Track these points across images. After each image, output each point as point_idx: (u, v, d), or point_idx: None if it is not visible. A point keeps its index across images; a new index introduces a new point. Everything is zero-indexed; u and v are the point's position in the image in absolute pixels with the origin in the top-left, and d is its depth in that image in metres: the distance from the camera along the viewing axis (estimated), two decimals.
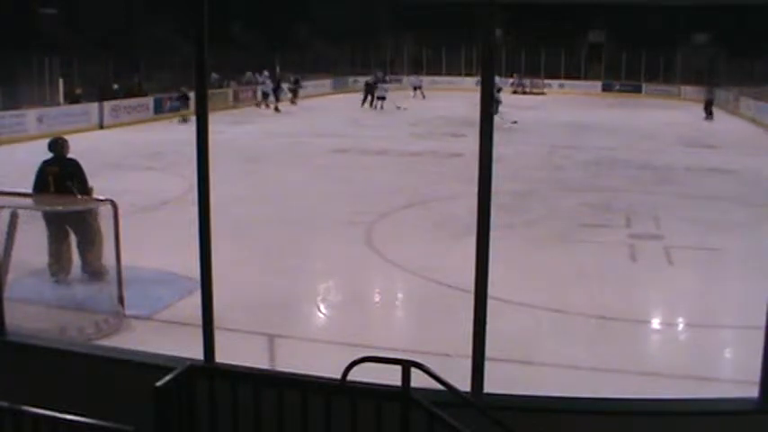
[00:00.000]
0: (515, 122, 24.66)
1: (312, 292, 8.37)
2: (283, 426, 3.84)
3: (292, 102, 33.93)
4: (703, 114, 29.60)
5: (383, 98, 32.04)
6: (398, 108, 30.28)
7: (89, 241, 7.74)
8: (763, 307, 3.95)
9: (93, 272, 7.79)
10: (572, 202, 13.07)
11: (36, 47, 25.45)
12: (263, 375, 4.47)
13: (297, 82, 35.72)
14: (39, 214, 7.58)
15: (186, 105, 26.25)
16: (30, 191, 7.84)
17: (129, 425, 3.55)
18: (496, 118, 23.95)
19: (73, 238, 7.90)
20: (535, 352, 6.59)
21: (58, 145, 8.18)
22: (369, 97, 33.07)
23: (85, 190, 7.95)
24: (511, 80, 41.62)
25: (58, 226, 7.78)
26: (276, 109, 30.95)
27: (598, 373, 6.15)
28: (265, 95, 31.91)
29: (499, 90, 26.13)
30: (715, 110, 29.64)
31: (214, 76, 32.32)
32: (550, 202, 13.18)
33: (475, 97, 4.20)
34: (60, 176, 7.89)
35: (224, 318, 5.17)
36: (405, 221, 11.62)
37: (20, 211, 7.00)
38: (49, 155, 8.14)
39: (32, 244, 7.29)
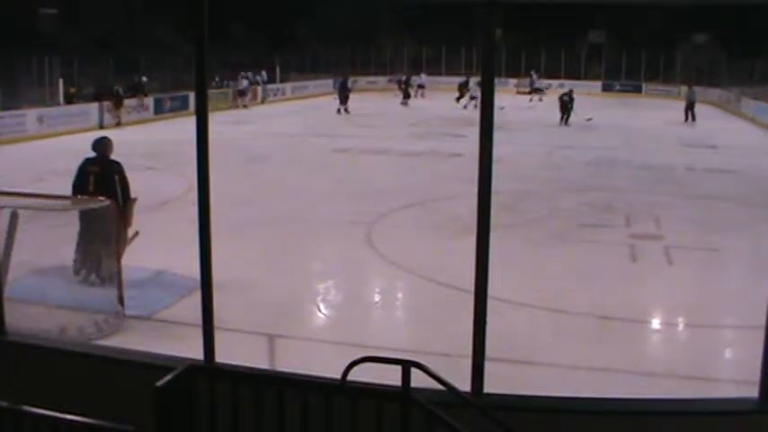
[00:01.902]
0: (590, 119, 25.43)
1: (312, 292, 8.37)
2: (283, 426, 3.83)
3: (403, 103, 33.91)
4: (683, 117, 27.72)
5: (475, 98, 32.26)
6: (501, 108, 30.24)
7: (111, 245, 7.67)
8: (763, 307, 3.95)
9: (105, 277, 7.68)
10: (572, 202, 13.08)
11: (36, 47, 25.45)
12: (263, 375, 4.47)
13: (407, 81, 36.05)
14: (39, 214, 7.56)
15: (120, 106, 24.57)
16: (27, 191, 7.80)
17: (129, 425, 3.55)
18: (573, 115, 25.26)
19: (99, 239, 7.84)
20: (535, 352, 6.58)
21: (101, 144, 8.11)
22: (461, 96, 33.76)
23: (128, 195, 7.87)
24: (528, 80, 42.01)
25: (89, 225, 7.71)
26: (341, 111, 29.89)
27: (598, 373, 6.15)
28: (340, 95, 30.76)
29: (571, 93, 27.00)
30: (715, 110, 29.15)
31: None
32: (550, 202, 13.18)
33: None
34: (101, 177, 7.81)
35: (224, 318, 5.17)
36: (405, 221, 11.61)
37: (20, 212, 6.99)
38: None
39: (34, 244, 7.29)
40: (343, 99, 30.18)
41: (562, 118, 26.03)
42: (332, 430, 3.77)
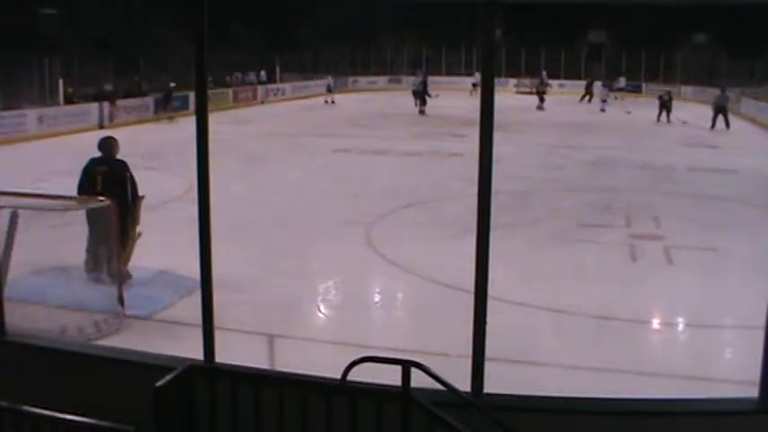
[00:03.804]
0: (685, 122, 26.52)
1: (312, 292, 8.36)
2: (283, 426, 3.83)
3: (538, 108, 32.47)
4: (710, 124, 25.32)
5: (605, 101, 32.50)
6: (683, 121, 27.65)
7: (121, 243, 7.69)
8: (763, 307, 3.95)
9: (114, 275, 7.68)
10: (572, 202, 13.08)
11: (36, 47, 25.46)
12: (263, 375, 4.47)
13: (543, 83, 35.76)
14: (39, 214, 7.57)
15: (170, 102, 25.81)
16: (27, 191, 7.81)
17: (129, 425, 3.54)
18: (672, 119, 26.61)
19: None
20: (535, 352, 6.58)
21: (107, 144, 8.13)
22: (585, 96, 34.92)
23: (136, 194, 7.89)
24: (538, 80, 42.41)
25: (98, 225, 7.74)
26: (424, 111, 29.50)
27: (598, 373, 6.15)
28: (417, 96, 30.39)
29: (670, 97, 28.30)
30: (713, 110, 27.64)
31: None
32: (550, 202, 13.18)
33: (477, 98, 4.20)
34: (109, 176, 7.84)
35: (224, 318, 5.17)
36: (405, 221, 11.61)
37: (20, 211, 6.99)
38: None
39: (34, 244, 7.29)
40: (423, 99, 29.79)
41: (660, 116, 27.73)
42: (332, 430, 3.77)
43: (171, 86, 26.28)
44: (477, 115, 4.08)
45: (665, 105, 27.88)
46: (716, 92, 27.94)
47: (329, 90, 36.88)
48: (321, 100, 36.07)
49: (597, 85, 36.51)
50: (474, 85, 39.45)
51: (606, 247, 10.07)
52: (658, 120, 27.75)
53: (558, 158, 18.59)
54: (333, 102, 35.50)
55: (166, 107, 25.93)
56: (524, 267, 8.90)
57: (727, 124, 25.39)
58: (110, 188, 7.71)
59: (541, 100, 33.32)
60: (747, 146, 21.60)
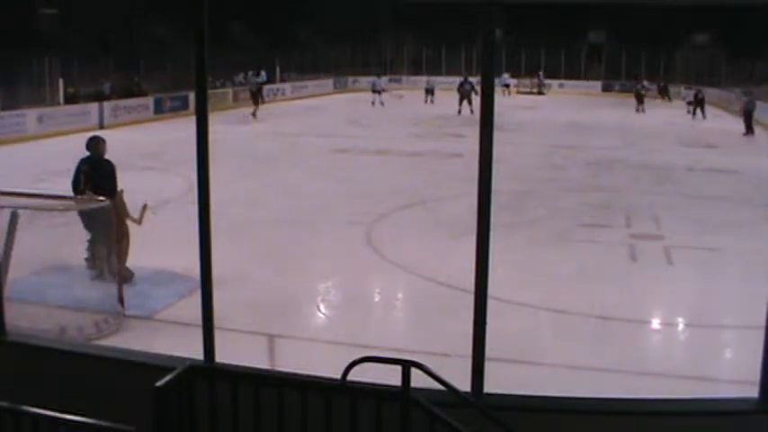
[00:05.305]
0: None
1: (312, 292, 8.37)
2: (283, 426, 3.83)
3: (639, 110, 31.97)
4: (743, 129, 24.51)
5: (691, 103, 31.59)
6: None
7: (113, 243, 7.71)
8: (763, 307, 3.95)
9: (118, 275, 7.66)
10: (572, 202, 13.07)
11: (36, 47, 25.47)
12: (263, 375, 4.47)
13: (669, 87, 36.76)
14: (39, 214, 7.58)
15: (260, 98, 26.74)
16: (27, 191, 7.82)
17: (129, 425, 3.54)
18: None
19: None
20: (535, 352, 6.58)
21: (92, 144, 8.26)
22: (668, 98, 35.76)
23: (112, 193, 7.91)
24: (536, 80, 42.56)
25: (90, 225, 7.84)
26: (460, 111, 29.05)
27: (598, 373, 6.15)
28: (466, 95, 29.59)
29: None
30: (716, 110, 28.44)
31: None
32: (550, 202, 13.17)
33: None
34: (90, 176, 7.98)
35: (224, 318, 5.17)
36: (405, 221, 11.61)
37: (20, 212, 6.99)
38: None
39: (34, 244, 7.29)
40: (470, 100, 28.96)
41: (695, 112, 29.21)
42: (332, 430, 3.77)
43: (259, 81, 27.00)
44: (477, 115, 4.09)
45: (700, 103, 29.27)
46: (720, 93, 28.21)
47: (375, 90, 34.45)
48: (324, 100, 36.01)
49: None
50: (506, 85, 39.47)
51: (606, 247, 10.07)
52: (694, 116, 29.08)
53: (558, 158, 18.59)
54: (382, 103, 33.53)
55: (257, 103, 26.43)
56: (524, 267, 8.90)
57: (751, 130, 24.34)
58: (92, 187, 7.83)
59: (640, 102, 32.54)
60: (747, 146, 21.58)
